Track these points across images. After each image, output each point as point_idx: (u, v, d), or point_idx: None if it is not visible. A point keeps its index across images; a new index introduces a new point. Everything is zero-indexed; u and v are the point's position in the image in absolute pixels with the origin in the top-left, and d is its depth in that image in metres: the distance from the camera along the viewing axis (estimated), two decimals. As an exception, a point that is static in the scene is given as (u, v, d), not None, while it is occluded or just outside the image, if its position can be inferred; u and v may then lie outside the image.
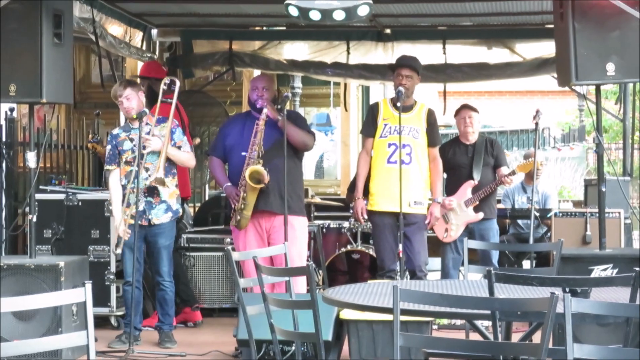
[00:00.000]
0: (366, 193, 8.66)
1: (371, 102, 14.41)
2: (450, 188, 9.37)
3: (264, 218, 8.23)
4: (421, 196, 8.51)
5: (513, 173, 9.17)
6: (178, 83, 8.53)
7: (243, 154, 8.18)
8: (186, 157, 8.48)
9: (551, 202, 10.56)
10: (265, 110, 8.14)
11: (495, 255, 9.18)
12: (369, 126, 8.67)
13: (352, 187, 9.20)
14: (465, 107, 9.46)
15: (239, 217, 8.20)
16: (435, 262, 9.89)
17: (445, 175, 9.31)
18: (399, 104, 8.34)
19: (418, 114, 8.58)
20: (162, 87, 8.46)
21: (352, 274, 9.84)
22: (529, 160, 9.27)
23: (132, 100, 8.33)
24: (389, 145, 8.49)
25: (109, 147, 8.45)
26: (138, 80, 9.31)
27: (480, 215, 9.13)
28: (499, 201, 10.50)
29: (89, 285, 4.10)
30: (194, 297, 9.52)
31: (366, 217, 8.65)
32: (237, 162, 8.24)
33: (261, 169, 8.04)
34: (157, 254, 8.42)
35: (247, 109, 8.68)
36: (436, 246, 9.52)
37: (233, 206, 8.26)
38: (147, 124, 8.30)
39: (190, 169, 9.52)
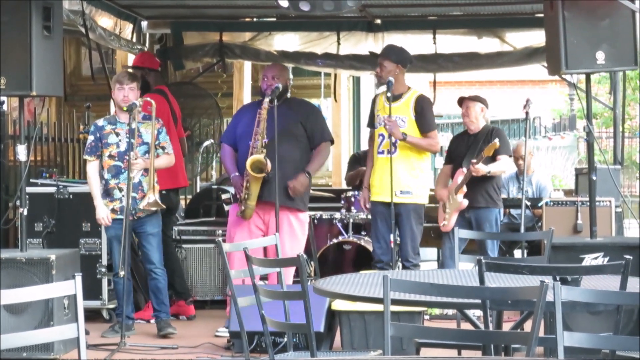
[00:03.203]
0: None
1: (361, 92, 14.47)
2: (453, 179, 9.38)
3: (261, 211, 8.21)
4: (408, 185, 8.49)
5: (481, 158, 8.97)
6: (155, 104, 8.38)
7: (250, 142, 8.17)
8: (166, 161, 8.48)
9: (546, 194, 10.53)
10: (266, 99, 8.11)
11: (490, 245, 9.11)
12: (371, 119, 8.79)
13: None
14: (463, 98, 9.41)
15: (243, 207, 8.16)
16: (429, 252, 9.89)
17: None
18: (378, 91, 8.43)
19: (406, 102, 8.55)
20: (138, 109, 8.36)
21: (344, 265, 9.84)
22: (495, 141, 9.09)
23: (134, 92, 8.34)
24: (379, 135, 8.57)
25: (91, 137, 8.40)
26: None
27: (465, 202, 9.01)
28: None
29: (79, 278, 4.09)
30: (188, 290, 9.51)
31: (369, 206, 8.67)
32: (245, 151, 8.20)
33: (262, 157, 8.01)
34: (146, 242, 8.43)
35: (245, 100, 8.68)
36: (434, 236, 9.52)
37: (238, 196, 8.22)
38: (133, 119, 8.29)
39: (184, 159, 9.53)
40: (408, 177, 8.49)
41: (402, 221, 8.47)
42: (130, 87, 8.33)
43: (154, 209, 8.31)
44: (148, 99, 8.37)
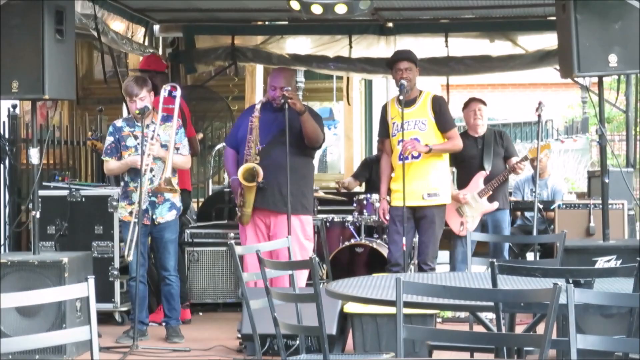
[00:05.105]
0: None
1: (374, 95, 14.45)
2: (462, 181, 9.34)
3: (262, 216, 8.22)
4: (436, 187, 8.42)
5: (525, 159, 9.15)
6: (179, 90, 8.45)
7: None
8: (181, 161, 8.40)
9: (560, 197, 10.49)
10: (257, 107, 8.13)
11: (506, 247, 9.21)
12: (382, 127, 8.69)
13: (356, 175, 10.12)
14: (474, 100, 9.48)
15: (239, 214, 8.22)
16: (443, 255, 9.88)
17: (454, 169, 9.32)
18: (401, 97, 8.30)
19: (422, 105, 8.47)
20: (163, 93, 8.37)
21: (356, 268, 9.83)
22: (538, 145, 9.18)
23: (145, 100, 8.27)
24: (399, 142, 8.39)
25: (110, 138, 8.36)
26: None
27: (495, 204, 9.15)
28: (510, 193, 10.50)
29: (91, 280, 4.09)
30: (186, 294, 9.47)
31: (388, 217, 8.57)
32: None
33: (252, 165, 8.03)
34: (163, 248, 8.41)
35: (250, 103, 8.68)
36: (447, 239, 9.52)
37: (236, 201, 8.27)
38: (152, 122, 8.28)
39: (193, 163, 9.51)
40: (435, 179, 8.42)
41: (425, 224, 8.41)
42: (140, 98, 8.24)
43: (169, 187, 8.13)
44: (171, 106, 8.35)
